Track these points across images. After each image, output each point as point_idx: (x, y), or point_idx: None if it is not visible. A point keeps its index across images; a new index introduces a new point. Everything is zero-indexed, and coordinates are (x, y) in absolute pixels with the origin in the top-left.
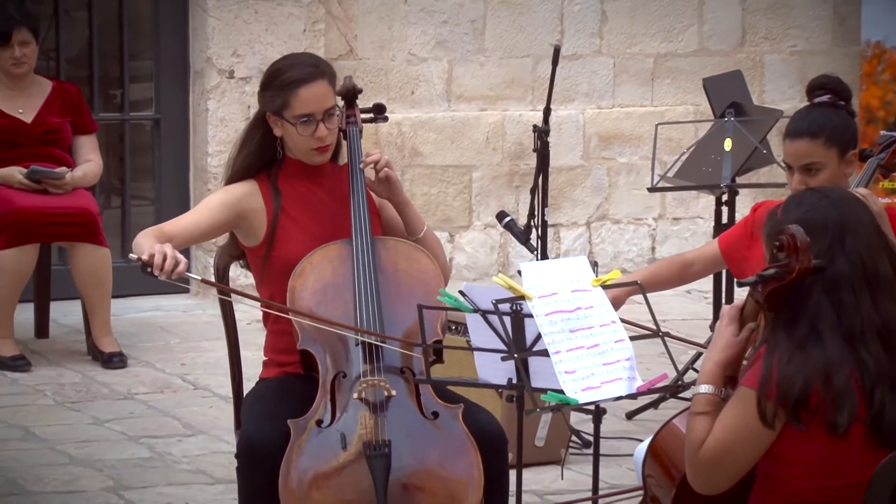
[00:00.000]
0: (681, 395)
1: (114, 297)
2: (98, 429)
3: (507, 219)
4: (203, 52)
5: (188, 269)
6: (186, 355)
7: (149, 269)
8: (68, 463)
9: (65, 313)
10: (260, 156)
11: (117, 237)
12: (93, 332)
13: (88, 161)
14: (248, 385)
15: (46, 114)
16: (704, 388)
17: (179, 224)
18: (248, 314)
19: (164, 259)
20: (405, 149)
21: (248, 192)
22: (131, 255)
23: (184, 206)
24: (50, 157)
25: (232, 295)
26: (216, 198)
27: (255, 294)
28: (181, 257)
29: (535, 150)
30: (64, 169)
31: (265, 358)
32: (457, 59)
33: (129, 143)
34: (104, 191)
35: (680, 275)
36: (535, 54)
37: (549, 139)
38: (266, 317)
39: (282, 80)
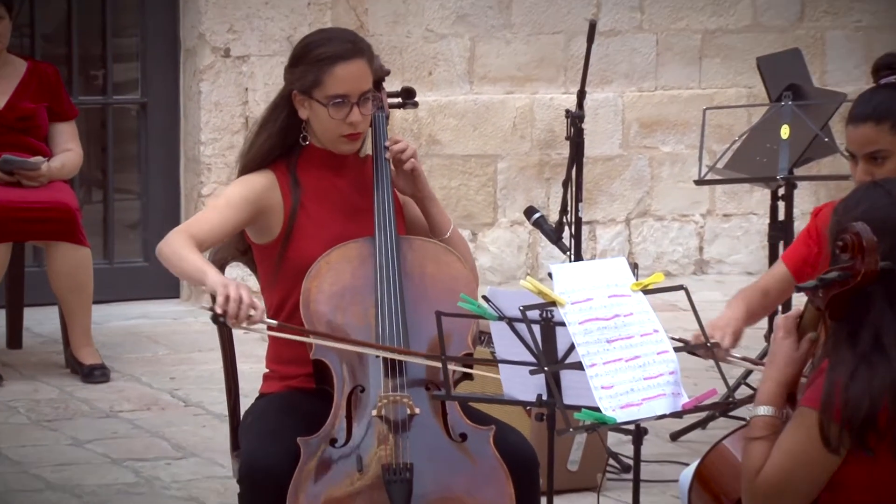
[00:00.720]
0: (731, 413)
1: (95, 302)
2: (77, 450)
3: (537, 215)
4: (195, 28)
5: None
6: (177, 368)
7: (221, 319)
8: (44, 488)
9: (40, 321)
10: (282, 139)
11: (99, 235)
12: (71, 342)
13: (67, 150)
14: (245, 402)
15: (20, 98)
16: (763, 410)
17: (205, 225)
18: None
19: (240, 304)
20: (421, 136)
21: (267, 184)
22: (204, 306)
23: (173, 201)
24: (24, 147)
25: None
26: (237, 192)
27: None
28: (257, 302)
29: (567, 138)
30: (40, 159)
31: (266, 370)
32: (480, 36)
33: (113, 130)
34: (84, 183)
35: (764, 304)
36: (567, 30)
37: (584, 126)
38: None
39: (316, 54)
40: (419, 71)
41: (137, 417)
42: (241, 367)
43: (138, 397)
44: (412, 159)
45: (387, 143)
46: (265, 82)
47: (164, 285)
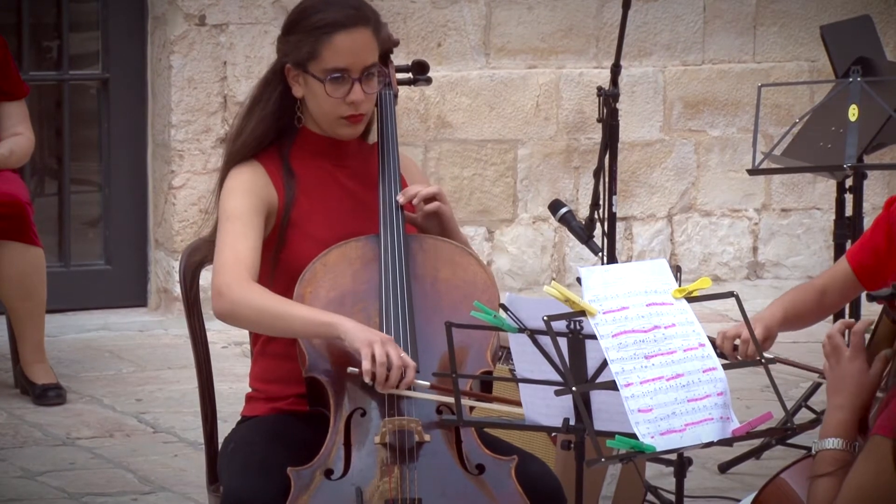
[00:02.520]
0: (790, 440)
1: (48, 311)
2: (29, 483)
3: (564, 210)
4: None
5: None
6: (143, 388)
7: (371, 385)
8: None
9: None
10: (275, 121)
11: (53, 234)
12: (21, 358)
13: (16, 134)
14: (223, 427)
15: None
16: (831, 444)
17: (247, 258)
18: (224, 334)
19: (390, 369)
20: (429, 118)
21: (263, 182)
22: (350, 368)
23: (140, 194)
24: None
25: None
26: (245, 205)
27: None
28: (409, 360)
29: (599, 121)
30: None
31: (250, 390)
32: (497, 1)
33: (69, 111)
34: (36, 173)
35: (819, 305)
36: None
37: (619, 106)
38: (255, 337)
39: (313, 21)
40: (427, 42)
41: (98, 445)
42: (219, 387)
43: (99, 422)
44: (436, 201)
45: (399, 198)
46: (246, 55)
47: (129, 292)
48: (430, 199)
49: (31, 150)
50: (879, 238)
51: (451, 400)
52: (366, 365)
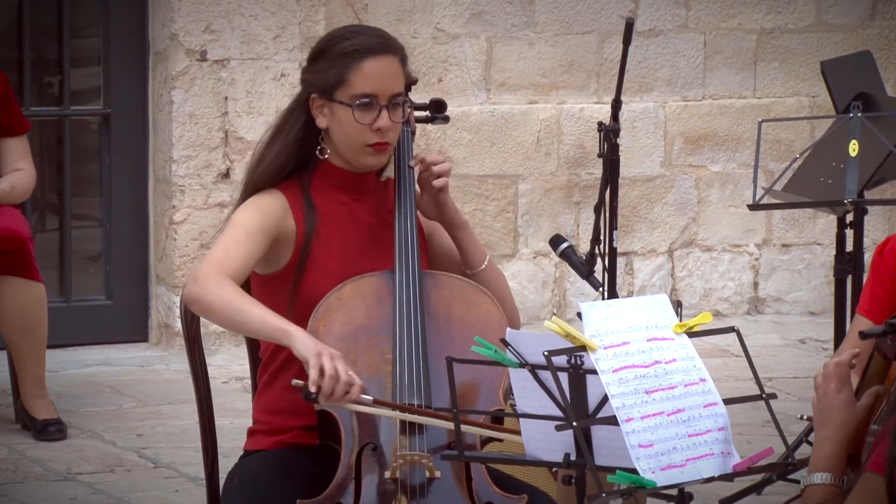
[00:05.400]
0: (791, 476)
1: (49, 346)
2: None
3: (565, 245)
4: (166, 28)
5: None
6: (144, 423)
7: (313, 397)
8: None
9: None
10: (297, 151)
11: (54, 269)
12: (22, 394)
13: (17, 170)
14: (225, 463)
15: None
16: (819, 478)
17: (235, 263)
18: (225, 369)
19: (337, 382)
20: (430, 153)
21: (281, 209)
22: (295, 381)
23: (141, 229)
24: None
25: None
26: (255, 221)
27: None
28: (355, 377)
29: (600, 156)
30: None
31: (252, 423)
32: (498, 36)
33: (71, 147)
34: (38, 208)
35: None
36: (600, 29)
37: (620, 141)
38: (263, 368)
39: (341, 47)
40: (428, 77)
41: (99, 481)
42: (220, 422)
43: (100, 457)
44: (444, 177)
45: (412, 162)
46: (248, 91)
47: (130, 327)
48: (439, 170)
49: (32, 186)
50: (881, 284)
51: (412, 418)
52: (313, 375)
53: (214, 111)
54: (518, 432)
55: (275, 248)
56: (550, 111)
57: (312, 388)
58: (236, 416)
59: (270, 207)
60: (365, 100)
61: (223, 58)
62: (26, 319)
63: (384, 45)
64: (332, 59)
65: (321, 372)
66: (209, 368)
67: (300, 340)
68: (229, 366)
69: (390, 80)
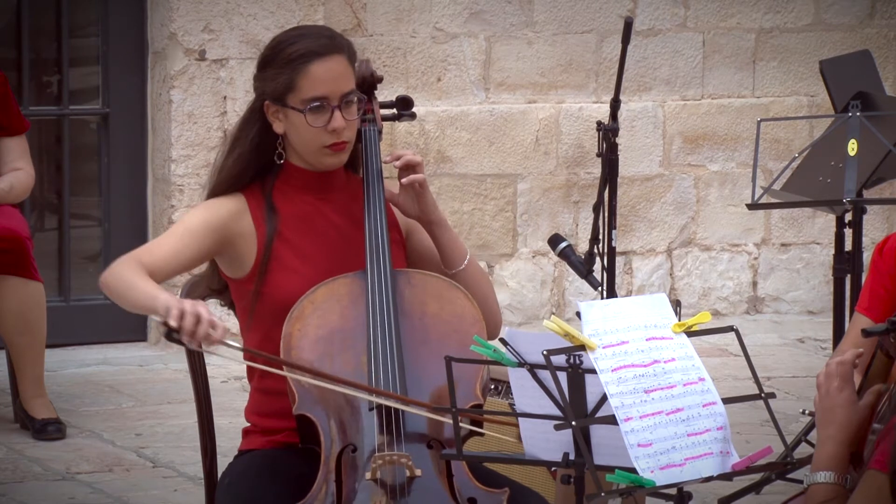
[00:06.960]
0: (790, 475)
1: (48, 346)
2: None
3: (563, 245)
4: (165, 27)
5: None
6: (143, 423)
7: (176, 335)
8: None
9: None
10: (256, 158)
11: (53, 268)
12: (21, 393)
13: (16, 170)
14: (223, 462)
15: None
16: (822, 477)
17: (159, 253)
18: (224, 369)
19: (198, 322)
20: (429, 152)
21: (235, 209)
22: (155, 317)
23: (140, 228)
24: None
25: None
26: (198, 218)
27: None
28: (218, 321)
29: (599, 155)
30: None
31: (246, 424)
32: (497, 36)
33: (69, 146)
34: (36, 208)
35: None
36: (599, 29)
37: (618, 140)
38: (252, 370)
39: (287, 53)
40: (426, 76)
41: (98, 480)
42: (219, 421)
43: (99, 457)
44: (418, 170)
45: (387, 158)
46: (246, 90)
47: (129, 327)
48: (411, 166)
49: (31, 186)
50: (881, 282)
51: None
52: (174, 313)
53: (213, 110)
54: (501, 422)
55: (233, 250)
56: (549, 110)
57: (173, 323)
58: (235, 415)
59: (222, 207)
60: (316, 103)
61: (222, 57)
62: (25, 319)
63: (330, 45)
64: (280, 66)
65: (182, 314)
66: (208, 368)
67: (165, 301)
68: (228, 365)
69: (339, 81)
